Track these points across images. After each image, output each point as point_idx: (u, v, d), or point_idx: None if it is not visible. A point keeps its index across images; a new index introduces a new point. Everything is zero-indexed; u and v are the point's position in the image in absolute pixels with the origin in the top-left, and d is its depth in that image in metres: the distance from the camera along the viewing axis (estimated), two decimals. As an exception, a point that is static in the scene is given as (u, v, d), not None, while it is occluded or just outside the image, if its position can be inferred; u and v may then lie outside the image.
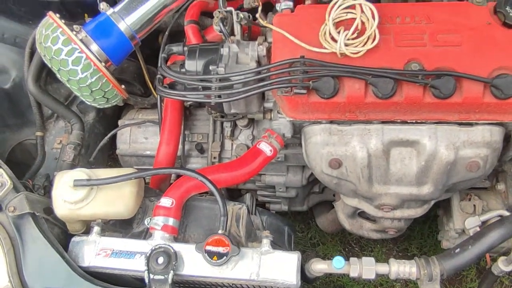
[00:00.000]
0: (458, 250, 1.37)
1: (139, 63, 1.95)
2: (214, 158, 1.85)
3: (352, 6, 1.37)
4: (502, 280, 2.37)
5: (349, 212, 1.82)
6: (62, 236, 1.53)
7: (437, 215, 2.04)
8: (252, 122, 1.81)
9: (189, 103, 1.89)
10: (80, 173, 1.46)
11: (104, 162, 2.14)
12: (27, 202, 1.42)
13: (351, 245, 2.58)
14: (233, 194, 2.08)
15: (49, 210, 1.49)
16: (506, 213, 1.65)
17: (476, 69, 1.33)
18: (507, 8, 1.36)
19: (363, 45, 1.35)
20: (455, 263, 1.36)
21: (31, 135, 1.98)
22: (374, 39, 1.35)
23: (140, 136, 1.99)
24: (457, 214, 1.75)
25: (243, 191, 2.08)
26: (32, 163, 1.92)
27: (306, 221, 2.64)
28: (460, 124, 1.43)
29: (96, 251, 1.40)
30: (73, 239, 1.46)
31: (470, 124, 1.43)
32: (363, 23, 1.36)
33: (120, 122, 2.02)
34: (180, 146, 1.83)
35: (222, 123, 1.87)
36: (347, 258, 1.40)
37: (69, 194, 1.43)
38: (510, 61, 1.33)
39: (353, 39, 1.35)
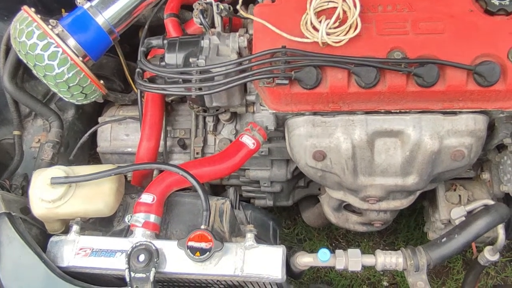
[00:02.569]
0: (444, 239, 1.36)
1: (119, 59, 1.90)
2: (197, 153, 1.82)
3: (333, -5, 1.35)
4: (488, 271, 2.38)
5: (334, 205, 1.81)
6: (40, 236, 1.49)
7: (423, 207, 2.03)
8: (235, 116, 1.79)
9: (170, 98, 1.86)
10: (58, 170, 1.42)
11: (84, 161, 2.09)
12: (2, 202, 1.39)
13: (337, 240, 2.57)
14: (217, 190, 2.05)
15: (26, 210, 1.45)
16: (492, 202, 1.65)
17: (459, 57, 1.32)
18: (489, -5, 1.35)
19: (345, 34, 1.33)
20: (442, 253, 1.35)
21: (9, 134, 1.92)
22: (356, 28, 1.33)
23: (121, 133, 1.95)
24: (442, 205, 1.75)
25: (228, 187, 2.04)
26: (10, 163, 1.87)
27: (292, 217, 2.62)
28: (444, 113, 1.42)
29: (75, 251, 1.36)
30: (52, 238, 1.41)
31: (454, 113, 1.42)
32: (344, 12, 1.34)
33: (100, 119, 1.97)
34: (162, 143, 1.79)
35: (204, 118, 1.84)
36: (333, 252, 1.38)
37: (46, 193, 1.39)
38: (492, 48, 1.32)
39: (335, 28, 1.33)
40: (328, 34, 1.33)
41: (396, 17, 1.38)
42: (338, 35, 1.33)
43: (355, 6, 1.33)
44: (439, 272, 2.44)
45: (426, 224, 1.96)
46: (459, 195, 1.74)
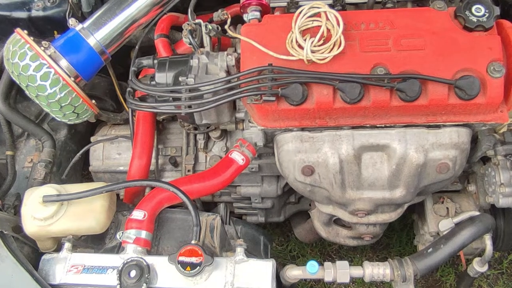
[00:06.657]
0: (430, 249, 1.38)
1: (111, 79, 1.93)
2: (188, 171, 1.84)
3: (318, 14, 1.39)
4: (480, 284, 2.39)
5: (324, 219, 1.83)
6: (32, 254, 1.50)
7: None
8: (225, 133, 1.81)
9: (162, 117, 1.88)
10: (50, 188, 1.44)
11: (77, 180, 2.10)
12: (-6, 221, 1.39)
13: (330, 256, 2.58)
14: (209, 207, 2.07)
15: (18, 229, 1.46)
16: (478, 214, 1.67)
17: (439, 72, 1.36)
18: (467, 13, 1.40)
19: (329, 51, 1.37)
20: (428, 263, 1.37)
21: (1, 155, 1.93)
22: (340, 45, 1.37)
23: (113, 152, 1.97)
24: (431, 217, 1.77)
25: (219, 204, 2.06)
26: (3, 183, 1.88)
27: (285, 233, 2.63)
28: (428, 126, 1.46)
29: (67, 268, 1.37)
30: (44, 256, 1.42)
31: (438, 126, 1.46)
32: (328, 30, 1.38)
33: (92, 139, 2.00)
34: (153, 161, 1.82)
35: (195, 136, 1.86)
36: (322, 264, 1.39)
37: (38, 211, 1.41)
38: (472, 63, 1.37)
39: (319, 45, 1.37)
40: (313, 51, 1.37)
41: (378, 35, 1.42)
42: (322, 53, 1.37)
43: (338, 24, 1.37)
44: (432, 286, 2.45)
45: (416, 237, 1.99)
46: (447, 208, 1.77)
